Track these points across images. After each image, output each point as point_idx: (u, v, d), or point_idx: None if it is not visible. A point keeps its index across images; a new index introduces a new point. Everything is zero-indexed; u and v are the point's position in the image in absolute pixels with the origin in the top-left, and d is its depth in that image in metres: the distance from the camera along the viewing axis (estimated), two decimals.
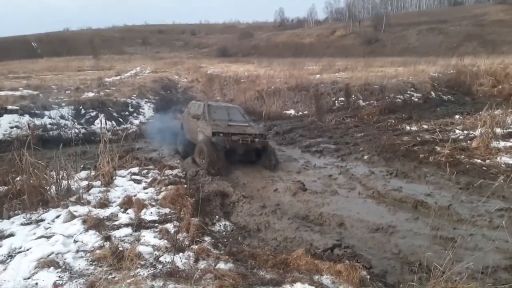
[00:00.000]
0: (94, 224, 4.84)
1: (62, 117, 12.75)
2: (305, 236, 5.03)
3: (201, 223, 5.02)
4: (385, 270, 4.35)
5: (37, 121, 11.96)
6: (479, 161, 8.30)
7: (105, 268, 3.80)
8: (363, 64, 29.78)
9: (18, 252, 4.14)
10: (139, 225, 4.95)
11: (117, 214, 5.36)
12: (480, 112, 11.17)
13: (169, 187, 6.51)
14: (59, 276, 3.66)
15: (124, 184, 6.72)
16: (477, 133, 9.70)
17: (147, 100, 17.73)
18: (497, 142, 9.04)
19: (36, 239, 4.44)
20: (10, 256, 4.09)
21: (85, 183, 6.59)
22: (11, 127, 11.28)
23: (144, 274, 3.69)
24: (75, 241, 4.37)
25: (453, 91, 20.67)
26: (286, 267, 4.05)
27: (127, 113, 15.08)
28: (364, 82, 19.33)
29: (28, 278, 3.61)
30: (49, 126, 12.02)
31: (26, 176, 5.61)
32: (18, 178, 5.88)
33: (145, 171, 7.66)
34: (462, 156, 8.65)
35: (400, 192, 6.96)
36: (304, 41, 77.62)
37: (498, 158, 8.27)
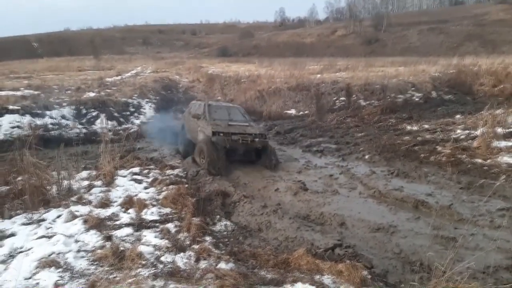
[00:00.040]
0: (95, 224, 4.85)
1: (63, 117, 12.77)
2: (306, 235, 5.03)
3: (202, 223, 5.02)
4: (386, 270, 4.35)
5: (39, 121, 11.98)
6: (480, 160, 8.29)
7: (106, 268, 3.80)
8: (364, 64, 29.77)
9: (19, 252, 4.15)
10: (140, 225, 4.96)
11: (118, 214, 5.36)
12: (481, 112, 11.16)
13: (170, 187, 6.51)
14: (60, 276, 3.67)
15: (125, 184, 6.72)
16: (478, 132, 9.69)
17: (148, 100, 17.73)
18: (498, 142, 9.02)
19: (37, 239, 4.45)
20: (12, 256, 4.10)
21: (86, 183, 6.59)
22: (13, 127, 11.29)
23: (145, 274, 3.69)
24: (76, 241, 4.38)
25: (454, 90, 20.63)
26: (287, 266, 4.05)
27: (128, 113, 15.10)
28: (365, 82, 19.32)
29: (29, 278, 3.62)
30: (50, 126, 12.03)
31: (27, 176, 5.62)
32: (19, 178, 5.88)
33: (146, 171, 7.66)
34: (463, 156, 8.64)
35: (401, 192, 6.96)
36: (305, 41, 77.58)
37: (499, 158, 8.25)
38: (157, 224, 5.06)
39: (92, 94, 15.43)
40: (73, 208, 5.31)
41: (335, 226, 5.69)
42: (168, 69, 32.38)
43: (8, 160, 6.83)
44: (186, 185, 6.66)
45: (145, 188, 6.68)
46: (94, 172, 7.03)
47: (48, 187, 5.80)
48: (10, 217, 5.11)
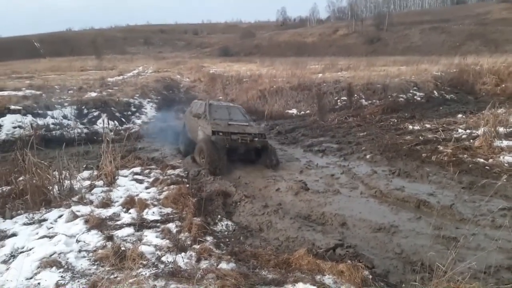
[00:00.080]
0: (97, 224, 4.86)
1: (64, 117, 12.78)
2: (307, 235, 5.03)
3: (203, 223, 5.02)
4: (387, 270, 4.34)
5: (40, 121, 12.00)
6: (482, 160, 8.27)
7: (107, 268, 3.81)
8: (365, 63, 29.76)
9: (21, 252, 4.16)
10: (141, 224, 4.96)
11: (119, 214, 5.37)
12: (483, 111, 11.15)
13: (171, 186, 6.52)
14: (62, 276, 3.67)
15: (127, 184, 6.73)
16: (480, 132, 9.67)
17: (149, 100, 17.75)
18: (500, 141, 9.01)
19: (38, 239, 4.45)
20: (13, 256, 4.11)
21: (87, 183, 6.60)
22: (14, 127, 11.32)
23: (146, 274, 3.69)
24: (78, 241, 4.39)
25: (456, 90, 20.62)
26: (288, 267, 4.04)
27: (129, 112, 15.11)
28: (367, 81, 19.32)
29: (31, 278, 3.63)
30: (52, 126, 12.04)
31: (29, 176, 5.63)
32: (21, 178, 5.90)
33: (147, 171, 7.67)
34: (465, 155, 8.63)
35: (402, 192, 6.95)
36: (307, 40, 77.53)
37: (501, 157, 8.24)
38: (158, 224, 5.07)
39: (93, 94, 15.45)
40: (74, 208, 5.31)
41: (336, 226, 5.69)
42: (169, 69, 32.41)
43: (9, 160, 6.85)
44: (187, 185, 6.66)
45: (146, 188, 6.69)
46: (95, 172, 7.03)
47: (49, 187, 5.80)
48: (12, 217, 5.12)
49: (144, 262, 3.94)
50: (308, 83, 19.51)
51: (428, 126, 12.19)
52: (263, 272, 3.91)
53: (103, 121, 12.79)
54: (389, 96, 18.13)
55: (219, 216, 5.73)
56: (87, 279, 3.61)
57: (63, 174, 6.09)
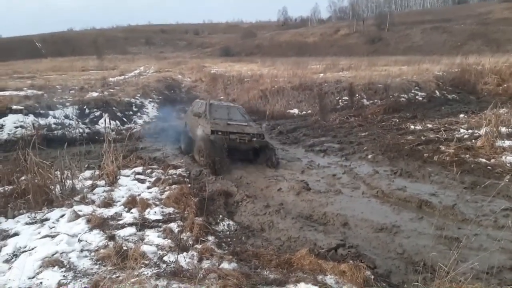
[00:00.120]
0: (98, 223, 4.86)
1: (66, 116, 12.79)
2: (309, 235, 5.02)
3: (205, 223, 5.02)
4: (389, 270, 4.34)
5: (42, 121, 12.01)
6: (484, 160, 8.26)
7: (109, 267, 3.81)
8: (367, 63, 29.73)
9: (23, 252, 4.16)
10: (143, 224, 4.96)
11: (121, 214, 5.37)
12: (485, 111, 11.13)
13: (173, 186, 6.51)
14: (64, 276, 3.67)
15: (128, 184, 6.73)
16: (482, 132, 9.65)
17: (151, 99, 17.75)
18: (502, 141, 8.99)
19: (40, 238, 4.45)
20: (15, 255, 4.11)
21: (89, 182, 6.61)
22: (16, 127, 11.33)
23: (148, 273, 3.69)
24: (80, 241, 4.39)
25: (457, 90, 20.57)
26: (290, 267, 4.04)
27: (131, 112, 15.11)
28: (368, 81, 19.29)
29: (33, 277, 3.63)
30: (53, 125, 12.06)
31: (30, 176, 5.63)
32: (23, 178, 5.90)
33: (149, 171, 7.67)
34: (467, 156, 8.61)
35: (404, 192, 6.94)
36: (308, 40, 77.50)
37: (503, 157, 8.22)
38: (160, 223, 5.07)
39: (95, 94, 15.46)
40: (76, 207, 5.32)
41: (338, 226, 5.68)
42: (171, 69, 32.42)
43: (11, 160, 6.85)
44: (189, 185, 6.66)
45: (148, 187, 6.69)
46: (97, 172, 7.03)
47: (51, 186, 5.81)
48: (14, 216, 5.13)
49: (146, 262, 3.94)
50: (310, 83, 19.50)
51: (430, 126, 12.17)
52: (265, 272, 3.91)
53: (105, 121, 12.79)
54: (390, 96, 18.11)
55: (220, 216, 5.73)
56: (89, 279, 3.61)
57: (65, 174, 6.09)
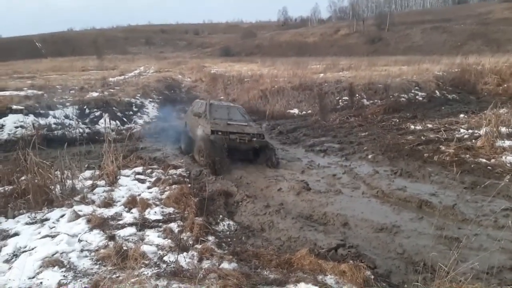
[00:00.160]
0: (99, 223, 4.86)
1: (66, 116, 12.79)
2: (309, 235, 5.02)
3: (205, 223, 5.02)
4: (389, 270, 4.34)
5: (42, 121, 12.01)
6: (484, 160, 8.26)
7: (109, 267, 3.81)
8: (367, 63, 29.73)
9: (23, 251, 4.16)
10: (143, 224, 4.96)
11: (121, 214, 5.37)
12: (485, 111, 11.12)
13: (173, 186, 6.52)
14: (64, 276, 3.67)
15: (128, 184, 6.73)
16: (482, 132, 9.65)
17: (151, 99, 17.76)
18: (502, 141, 8.99)
19: (40, 238, 4.46)
20: (15, 255, 4.11)
21: (89, 182, 6.61)
22: (16, 127, 11.33)
23: (148, 273, 3.69)
24: (80, 241, 4.39)
25: (457, 90, 20.57)
26: (290, 267, 4.04)
27: (131, 112, 15.11)
28: (368, 81, 19.29)
29: (33, 277, 3.63)
30: (53, 125, 12.06)
31: (31, 176, 5.63)
32: (23, 178, 5.90)
33: (149, 171, 7.67)
34: (467, 156, 8.61)
35: (404, 192, 6.94)
36: (308, 40, 77.50)
37: (503, 157, 8.22)
38: (160, 223, 5.07)
39: (95, 94, 15.46)
40: (76, 207, 5.32)
41: (338, 226, 5.68)
42: (171, 69, 32.43)
43: (12, 160, 6.85)
44: (189, 185, 6.66)
45: (148, 187, 6.69)
46: (97, 172, 7.03)
47: (51, 186, 5.81)
48: (14, 216, 5.13)
49: (146, 262, 3.95)
50: (310, 83, 19.50)
51: (430, 126, 12.17)
52: (265, 272, 3.91)
53: (105, 121, 12.79)
54: (390, 96, 18.11)
55: (221, 216, 5.73)
56: (89, 279, 3.61)
57: (65, 174, 6.09)
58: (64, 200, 5.64)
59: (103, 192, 6.19)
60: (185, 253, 4.18)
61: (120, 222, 5.07)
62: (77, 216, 5.03)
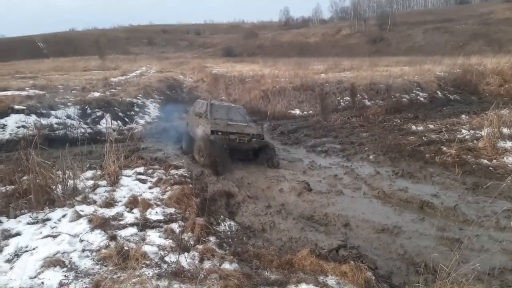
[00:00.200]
0: (100, 223, 4.86)
1: (68, 116, 12.80)
2: (310, 236, 5.03)
3: (206, 223, 5.02)
4: (390, 271, 4.34)
5: (44, 121, 12.02)
6: (485, 161, 8.25)
7: (110, 267, 3.82)
8: (368, 63, 29.72)
9: (25, 251, 4.17)
10: (144, 224, 4.96)
11: (122, 214, 5.37)
12: (487, 112, 11.09)
13: (175, 186, 6.52)
14: (65, 275, 3.68)
15: (130, 184, 6.73)
16: (483, 133, 9.63)
17: (152, 100, 17.77)
18: (504, 142, 8.97)
19: (42, 238, 4.46)
20: (17, 255, 4.12)
21: (91, 182, 6.61)
22: (18, 127, 11.34)
23: (149, 273, 3.70)
24: (81, 241, 4.39)
25: (459, 90, 20.54)
26: (291, 267, 4.04)
27: (132, 112, 15.10)
28: (370, 82, 19.29)
29: (34, 277, 3.63)
30: (55, 125, 12.06)
31: (32, 176, 5.64)
32: (24, 178, 5.91)
33: (150, 171, 7.67)
34: (469, 156, 8.60)
35: (406, 193, 6.93)
36: (309, 40, 77.48)
37: (505, 158, 8.21)
38: (161, 224, 5.07)
39: (97, 94, 15.47)
40: (78, 207, 5.32)
41: (339, 226, 5.68)
42: (172, 69, 32.42)
43: (13, 160, 6.86)
44: (190, 185, 6.67)
45: (150, 188, 6.69)
46: (98, 172, 7.04)
47: (53, 186, 5.82)
48: (15, 216, 5.13)
49: (147, 262, 3.95)
50: (311, 83, 19.50)
51: (431, 126, 12.16)
52: (266, 273, 3.92)
53: (106, 121, 12.80)
54: (392, 97, 18.10)
55: (222, 216, 5.74)
56: (90, 279, 3.62)
57: (66, 174, 6.10)
58: (65, 200, 5.65)
59: (104, 192, 6.19)
60: (186, 254, 4.19)
61: (122, 222, 5.08)
62: (78, 216, 5.04)
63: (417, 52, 50.11)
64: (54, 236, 4.47)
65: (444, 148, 9.24)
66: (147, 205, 5.62)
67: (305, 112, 17.11)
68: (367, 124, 13.93)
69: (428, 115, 14.86)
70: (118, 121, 13.66)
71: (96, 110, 13.77)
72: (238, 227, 5.48)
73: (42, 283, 3.55)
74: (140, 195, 6.12)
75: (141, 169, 7.66)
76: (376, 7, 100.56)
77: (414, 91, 19.11)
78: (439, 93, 19.69)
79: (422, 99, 18.73)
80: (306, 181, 7.80)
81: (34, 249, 4.19)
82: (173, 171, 7.77)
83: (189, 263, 4.02)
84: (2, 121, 11.39)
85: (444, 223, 5.45)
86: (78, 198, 5.78)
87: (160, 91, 19.91)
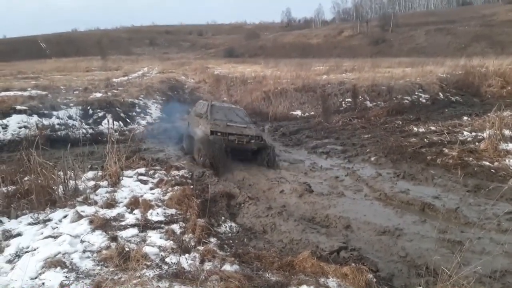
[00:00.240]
0: (101, 224, 4.86)
1: (70, 117, 12.82)
2: (311, 238, 5.02)
3: (207, 224, 5.02)
4: (391, 273, 4.32)
5: (46, 121, 12.04)
6: (487, 163, 8.23)
7: (111, 268, 3.82)
8: (370, 64, 29.69)
9: (26, 252, 4.17)
10: (145, 225, 4.96)
11: (123, 215, 5.38)
12: (489, 114, 11.07)
13: (176, 187, 6.52)
14: (66, 276, 3.68)
15: (131, 185, 6.74)
16: (485, 135, 9.61)
17: (154, 100, 17.79)
18: (506, 144, 8.95)
19: (43, 239, 4.47)
20: (18, 255, 4.12)
21: (92, 183, 6.62)
22: (20, 127, 11.36)
23: (150, 275, 3.69)
24: (82, 241, 4.39)
25: (461, 92, 20.50)
26: (292, 269, 4.04)
27: (134, 113, 15.12)
28: (371, 83, 19.27)
29: (35, 278, 3.63)
30: (57, 126, 12.09)
31: (34, 176, 5.65)
32: (26, 178, 5.92)
33: (151, 172, 7.68)
34: (470, 158, 8.58)
35: (407, 195, 6.92)
36: (311, 41, 77.48)
37: (507, 161, 8.19)
38: (162, 225, 5.07)
39: (99, 95, 15.49)
40: (79, 208, 5.33)
41: (341, 228, 5.67)
42: (174, 70, 32.53)
43: (15, 160, 6.88)
44: (192, 186, 6.66)
45: (151, 189, 6.70)
46: (100, 173, 7.05)
47: (54, 187, 5.83)
48: (17, 217, 5.14)
49: (148, 263, 3.95)
50: (313, 84, 19.50)
51: (433, 128, 12.13)
52: (267, 274, 3.91)
53: (108, 121, 12.80)
54: (394, 98, 18.08)
55: (223, 218, 5.73)
56: (91, 280, 3.62)
57: (68, 174, 6.11)
58: (67, 200, 5.66)
59: (105, 193, 6.20)
60: (187, 255, 4.19)
61: (123, 223, 5.08)
62: (79, 216, 5.04)
63: (419, 53, 50.11)
64: (55, 237, 4.48)
65: (446, 150, 9.22)
66: (148, 206, 5.62)
67: (307, 114, 17.10)
68: (369, 126, 13.91)
69: (430, 117, 14.82)
70: (120, 122, 13.67)
71: (98, 110, 13.78)
72: (239, 228, 5.47)
73: (43, 284, 3.55)
74: (141, 196, 6.12)
75: (142, 170, 7.67)
76: (378, 8, 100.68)
77: (416, 93, 19.08)
78: (441, 94, 19.65)
79: (424, 100, 18.70)
80: (307, 182, 7.80)
81: (35, 249, 4.19)
82: (174, 172, 7.78)
83: (190, 264, 4.01)
84: (4, 121, 11.42)
85: (445, 226, 5.43)
86: (79, 199, 5.79)
87: (162, 92, 19.93)
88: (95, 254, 4.15)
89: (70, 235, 4.47)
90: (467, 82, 21.43)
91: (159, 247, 4.37)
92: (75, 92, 15.89)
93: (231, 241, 4.98)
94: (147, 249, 4.22)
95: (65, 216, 5.12)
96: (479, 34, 58.83)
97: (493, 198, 5.70)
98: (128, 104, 15.32)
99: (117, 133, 11.77)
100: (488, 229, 5.39)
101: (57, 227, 4.80)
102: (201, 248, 4.39)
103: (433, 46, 57.74)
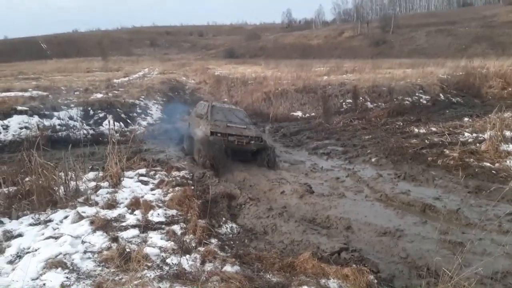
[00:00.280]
0: (102, 225, 4.87)
1: (71, 118, 12.83)
2: (312, 239, 5.02)
3: (208, 225, 5.03)
4: (392, 275, 4.32)
5: (46, 122, 12.06)
6: (488, 164, 8.22)
7: (112, 269, 3.82)
8: (371, 65, 29.68)
9: (27, 253, 4.17)
10: (146, 226, 4.96)
11: (124, 215, 5.38)
12: (490, 115, 11.06)
13: (176, 188, 6.53)
14: (67, 277, 3.68)
15: (132, 185, 6.74)
16: (486, 136, 9.61)
17: (155, 101, 17.79)
18: (507, 145, 8.95)
19: (44, 239, 4.47)
20: (19, 256, 4.12)
21: (93, 184, 6.62)
22: (21, 128, 11.38)
23: (151, 275, 3.70)
24: (83, 242, 4.40)
25: (462, 93, 20.49)
26: (293, 270, 4.03)
27: (135, 114, 15.11)
28: (372, 84, 19.26)
29: (36, 279, 3.64)
30: (58, 127, 12.10)
31: (35, 177, 5.66)
32: (27, 179, 5.92)
33: (152, 173, 7.69)
34: (471, 160, 8.58)
35: (408, 196, 6.92)
36: (312, 42, 77.45)
37: (508, 162, 8.18)
38: (163, 226, 5.07)
39: (99, 95, 15.49)
40: (80, 209, 5.33)
41: (341, 229, 5.67)
42: (175, 71, 32.53)
43: (16, 161, 6.88)
44: (192, 187, 6.66)
45: (152, 189, 6.70)
46: (101, 173, 7.06)
47: (55, 188, 5.83)
48: (18, 217, 5.14)
49: (149, 264, 3.95)
50: (313, 85, 19.49)
51: (434, 129, 12.12)
52: (268, 275, 3.91)
53: (109, 122, 12.82)
54: (394, 99, 18.08)
55: (223, 219, 5.73)
56: (92, 280, 3.62)
57: (69, 175, 6.11)
58: (67, 201, 5.66)
59: (106, 193, 6.21)
60: (188, 256, 4.19)
61: (123, 223, 5.08)
62: (80, 217, 5.05)
63: (420, 54, 50.11)
64: (56, 238, 4.48)
65: (447, 151, 9.21)
66: (149, 207, 5.62)
67: (307, 115, 17.10)
68: (370, 127, 13.90)
69: (430, 118, 14.81)
70: (121, 123, 13.68)
71: (99, 111, 13.79)
72: (240, 229, 5.47)
73: (44, 284, 3.55)
74: (142, 196, 6.12)
75: (143, 171, 7.68)
76: (379, 9, 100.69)
77: (416, 94, 19.08)
78: (442, 96, 19.64)
79: (424, 101, 18.70)
80: (308, 183, 7.80)
81: (36, 250, 4.19)
82: (175, 173, 7.78)
83: (191, 265, 4.01)
84: (5, 122, 11.43)
85: (446, 227, 5.42)
86: (80, 200, 5.79)
87: (163, 92, 19.94)
88: (96, 255, 4.15)
89: (71, 236, 4.48)
90: (468, 83, 21.42)
91: (160, 248, 4.37)
92: (76, 93, 15.90)
93: (232, 242, 4.97)
94: (148, 250, 4.22)
95: (66, 217, 5.13)
96: (480, 35, 58.77)
97: (494, 199, 5.69)
98: (129, 105, 15.32)
99: (118, 134, 11.77)
100: (489, 230, 5.38)
101: (58, 228, 4.80)
102: (202, 249, 4.39)
103: (433, 47, 57.69)
